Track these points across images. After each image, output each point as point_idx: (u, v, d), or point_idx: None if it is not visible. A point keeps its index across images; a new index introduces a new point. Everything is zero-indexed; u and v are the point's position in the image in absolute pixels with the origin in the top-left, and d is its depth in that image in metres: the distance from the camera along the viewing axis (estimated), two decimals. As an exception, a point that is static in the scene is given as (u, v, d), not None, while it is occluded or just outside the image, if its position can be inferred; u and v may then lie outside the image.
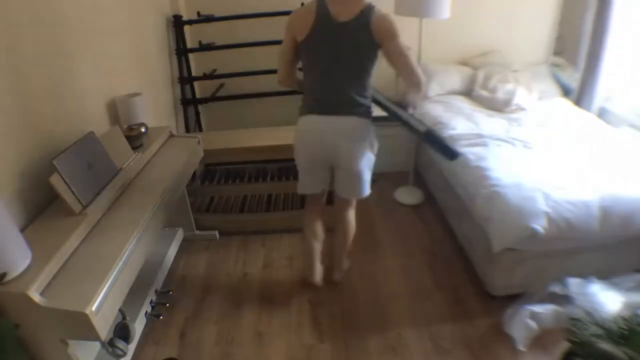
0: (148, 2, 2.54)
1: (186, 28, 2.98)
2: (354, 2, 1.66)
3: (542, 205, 1.86)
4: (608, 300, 1.56)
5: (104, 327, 1.22)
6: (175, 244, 2.48)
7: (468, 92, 3.24)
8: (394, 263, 2.40)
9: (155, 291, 2.09)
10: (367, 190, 1.95)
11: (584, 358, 1.31)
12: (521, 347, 1.78)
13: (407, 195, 3.04)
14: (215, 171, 3.11)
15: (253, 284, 2.30)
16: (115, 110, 2.14)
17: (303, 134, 1.88)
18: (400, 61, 1.70)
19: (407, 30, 3.18)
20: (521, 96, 2.96)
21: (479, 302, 2.09)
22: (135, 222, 1.55)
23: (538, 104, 3.01)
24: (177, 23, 2.86)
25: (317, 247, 2.16)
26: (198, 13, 2.92)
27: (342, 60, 1.73)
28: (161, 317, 2.01)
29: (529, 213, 1.84)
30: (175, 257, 2.48)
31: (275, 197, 2.98)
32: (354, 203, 2.07)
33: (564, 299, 1.68)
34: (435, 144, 1.80)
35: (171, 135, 2.37)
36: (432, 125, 2.84)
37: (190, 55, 3.08)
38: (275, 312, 2.10)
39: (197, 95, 3.18)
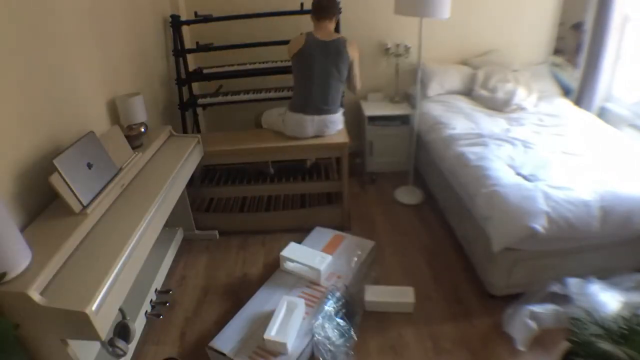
0: (147, 1, 2.54)
1: (184, 28, 2.97)
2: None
3: (542, 204, 1.86)
4: (608, 300, 1.56)
5: (104, 326, 1.22)
6: (175, 244, 2.48)
7: (468, 92, 3.24)
8: (393, 262, 2.40)
9: (155, 291, 2.09)
10: None
11: (584, 358, 1.31)
12: (521, 347, 1.78)
13: (407, 195, 3.04)
14: (215, 171, 3.10)
15: (253, 284, 2.30)
16: (115, 110, 2.14)
17: None
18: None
19: (407, 30, 3.23)
20: (521, 96, 2.96)
21: (479, 302, 2.09)
22: (135, 221, 1.55)
23: (538, 103, 3.01)
24: (175, 23, 2.83)
25: None
26: (195, 13, 2.90)
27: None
28: (161, 317, 2.01)
29: (529, 213, 1.84)
30: (175, 257, 2.48)
31: (275, 197, 2.98)
32: None
33: (564, 299, 1.68)
34: None
35: (171, 135, 2.37)
36: (433, 125, 2.85)
37: (189, 56, 3.07)
38: (275, 312, 2.10)
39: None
